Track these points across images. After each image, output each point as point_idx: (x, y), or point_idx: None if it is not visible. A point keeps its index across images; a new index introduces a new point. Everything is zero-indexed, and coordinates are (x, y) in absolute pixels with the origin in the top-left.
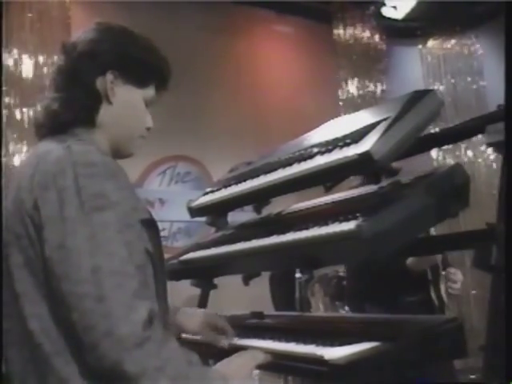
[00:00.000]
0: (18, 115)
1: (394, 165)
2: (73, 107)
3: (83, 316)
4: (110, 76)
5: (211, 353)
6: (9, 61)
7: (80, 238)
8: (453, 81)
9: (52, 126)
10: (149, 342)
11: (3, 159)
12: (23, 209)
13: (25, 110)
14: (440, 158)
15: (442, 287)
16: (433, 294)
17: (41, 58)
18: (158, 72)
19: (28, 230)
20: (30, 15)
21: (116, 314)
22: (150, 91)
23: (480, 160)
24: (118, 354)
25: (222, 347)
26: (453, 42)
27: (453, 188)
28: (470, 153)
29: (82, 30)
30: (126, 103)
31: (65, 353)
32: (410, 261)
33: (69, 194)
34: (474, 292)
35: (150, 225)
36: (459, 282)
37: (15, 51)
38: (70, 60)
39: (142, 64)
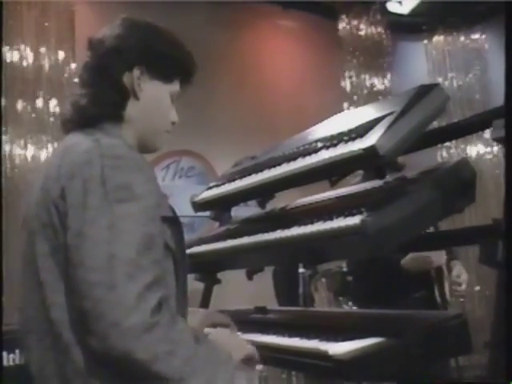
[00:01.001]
0: (19, 110)
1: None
2: (100, 103)
3: (95, 304)
4: (137, 72)
5: None
6: (12, 56)
7: (99, 227)
8: (458, 76)
9: (80, 121)
10: (157, 326)
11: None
12: (49, 198)
13: (26, 104)
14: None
15: (447, 286)
16: (436, 293)
17: (45, 53)
18: (182, 67)
19: (53, 219)
20: (34, 10)
21: (125, 303)
22: (176, 86)
23: (487, 154)
24: (128, 344)
25: None
26: (458, 37)
27: (459, 183)
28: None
29: (86, 25)
30: (152, 99)
31: (81, 343)
32: (403, 261)
33: (94, 184)
34: (477, 288)
35: (174, 222)
36: (464, 283)
37: (19, 46)
38: (96, 56)
39: (169, 59)
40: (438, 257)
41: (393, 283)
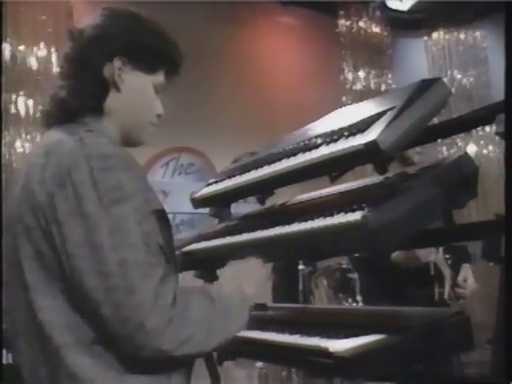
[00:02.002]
0: (19, 107)
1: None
2: (80, 95)
3: (116, 310)
4: (117, 62)
5: None
6: (10, 52)
7: (103, 233)
8: (458, 72)
9: (60, 115)
10: (177, 316)
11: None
12: (34, 200)
13: (28, 101)
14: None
15: (447, 286)
16: (436, 290)
17: (43, 49)
18: (167, 57)
19: (40, 223)
20: (31, 7)
21: (145, 304)
22: (160, 77)
23: (489, 150)
24: (155, 342)
25: None
26: (458, 33)
27: (460, 178)
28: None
29: (85, 19)
30: (134, 90)
31: (77, 346)
32: (393, 256)
33: (85, 189)
34: (477, 285)
35: (161, 217)
36: (469, 288)
37: (17, 42)
38: (76, 47)
39: (151, 49)
40: (425, 252)
41: (394, 281)
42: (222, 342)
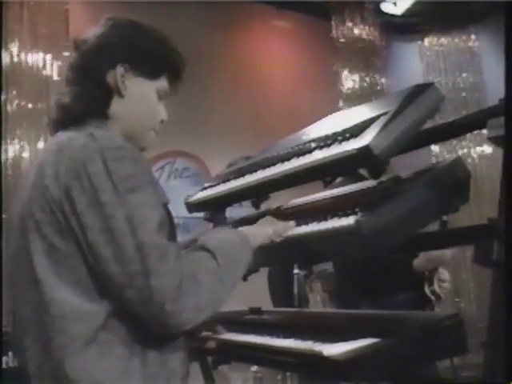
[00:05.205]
0: (16, 110)
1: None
2: (83, 100)
3: (139, 292)
4: (120, 69)
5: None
6: (6, 56)
7: (119, 221)
8: (452, 76)
9: (65, 120)
10: (192, 289)
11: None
12: (48, 196)
13: (23, 104)
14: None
15: (436, 284)
16: (427, 290)
17: (39, 53)
18: (168, 63)
19: (53, 218)
20: (27, 10)
21: (165, 284)
22: (163, 83)
23: (479, 154)
24: (177, 319)
25: (210, 347)
26: (452, 37)
27: (453, 182)
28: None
29: (80, 25)
30: (137, 96)
31: (83, 337)
32: (416, 262)
33: (100, 180)
34: (472, 287)
35: (166, 212)
36: (447, 281)
37: (13, 46)
38: (80, 56)
39: (152, 55)
40: (449, 252)
41: (380, 283)
42: (232, 290)
